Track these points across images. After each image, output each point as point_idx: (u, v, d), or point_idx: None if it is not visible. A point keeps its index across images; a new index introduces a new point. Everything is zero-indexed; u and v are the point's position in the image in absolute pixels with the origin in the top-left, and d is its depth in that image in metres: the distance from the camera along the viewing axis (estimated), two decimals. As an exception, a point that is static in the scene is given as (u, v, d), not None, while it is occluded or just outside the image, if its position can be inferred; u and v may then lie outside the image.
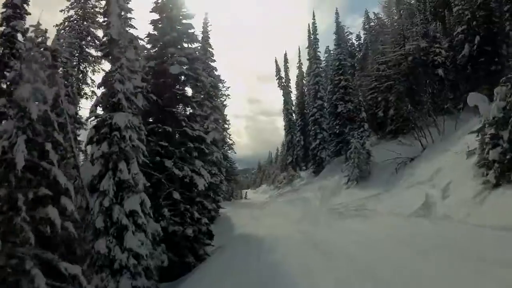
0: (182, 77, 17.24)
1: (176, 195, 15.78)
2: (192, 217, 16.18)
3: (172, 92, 16.94)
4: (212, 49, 31.48)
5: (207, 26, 32.25)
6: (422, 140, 24.47)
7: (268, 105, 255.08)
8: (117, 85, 11.69)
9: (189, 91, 18.64)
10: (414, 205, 14.98)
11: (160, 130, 16.19)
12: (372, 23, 48.30)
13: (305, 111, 46.29)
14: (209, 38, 31.65)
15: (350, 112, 33.71)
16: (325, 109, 38.79)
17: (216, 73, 31.65)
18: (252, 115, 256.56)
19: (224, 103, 52.18)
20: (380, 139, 32.26)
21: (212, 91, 30.53)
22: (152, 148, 15.67)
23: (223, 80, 49.86)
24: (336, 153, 35.26)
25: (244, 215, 26.99)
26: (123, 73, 12.01)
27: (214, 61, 31.50)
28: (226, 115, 52.15)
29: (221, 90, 52.68)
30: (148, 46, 17.69)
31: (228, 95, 51.42)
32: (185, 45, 18.01)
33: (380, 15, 47.92)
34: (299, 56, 52.70)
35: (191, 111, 17.66)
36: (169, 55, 17.15)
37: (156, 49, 17.81)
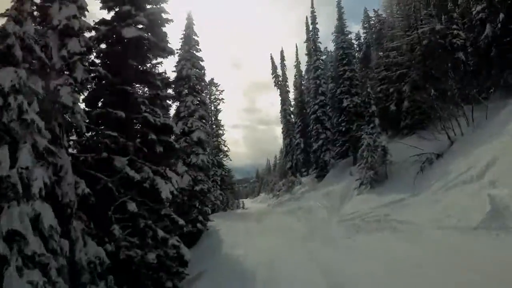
0: (142, 44, 12.48)
1: (132, 207, 10.95)
2: (155, 236, 11.35)
3: (127, 65, 12.19)
4: (198, 36, 26.84)
5: (191, 14, 27.64)
6: (450, 132, 19.76)
7: (265, 114, 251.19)
8: (10, 26, 7.09)
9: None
10: (474, 213, 10.20)
11: (110, 116, 11.44)
12: (372, 21, 43.69)
13: (304, 111, 41.73)
14: (193, 24, 27.05)
15: (358, 107, 29.13)
16: (328, 106, 34.19)
17: (202, 63, 26.80)
18: (250, 124, 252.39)
19: (218, 107, 48.96)
20: (392, 137, 27.53)
21: (197, 84, 25.85)
22: (99, 141, 10.96)
23: (217, 84, 46.86)
24: (342, 154, 30.59)
25: (237, 230, 22.28)
26: (23, 10, 7.38)
27: (200, 50, 26.82)
28: (220, 120, 48.93)
29: (215, 94, 49.15)
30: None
31: (222, 99, 48.31)
32: (149, 6, 13.31)
33: (380, 13, 43.21)
34: (297, 54, 48.40)
35: (154, 92, 12.89)
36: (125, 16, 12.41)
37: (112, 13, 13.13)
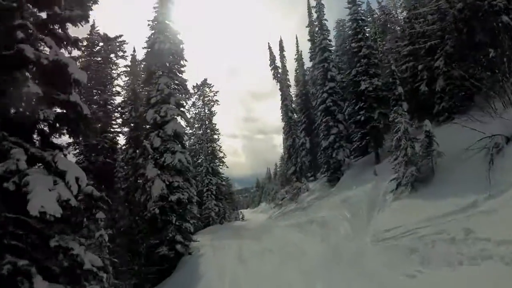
0: None
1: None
2: None
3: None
4: (172, 3, 20.75)
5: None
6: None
7: (263, 123, 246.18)
8: None
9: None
10: None
11: None
12: (376, 15, 37.54)
13: (309, 105, 35.62)
14: (169, -9, 21.03)
15: (379, 90, 23.01)
16: (339, 95, 28.00)
17: (180, 37, 20.72)
18: (249, 134, 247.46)
19: (213, 109, 45.33)
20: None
21: (173, 63, 19.77)
22: None
23: (211, 84, 43.57)
24: (361, 151, 24.51)
25: (227, 255, 16.07)
26: None
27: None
28: (215, 124, 45.20)
29: (209, 95, 44.26)
30: None
31: (217, 100, 44.60)
32: None
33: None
34: (297, 46, 42.64)
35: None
36: None
37: None
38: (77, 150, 21.58)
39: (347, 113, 26.07)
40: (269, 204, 68.98)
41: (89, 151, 21.46)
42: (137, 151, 21.19)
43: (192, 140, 47.82)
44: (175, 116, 17.85)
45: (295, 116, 36.93)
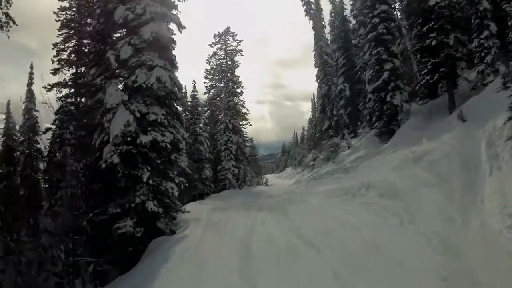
0: None
1: None
2: None
3: None
4: None
5: None
6: None
7: (291, 90, 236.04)
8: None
9: None
10: None
11: None
12: None
13: (349, 44, 27.94)
14: None
15: (454, 9, 15.42)
16: (394, 22, 20.22)
17: None
18: (276, 100, 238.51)
19: (236, 60, 39.90)
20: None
21: None
22: None
23: (234, 33, 38.68)
24: (427, 92, 16.98)
25: (221, 249, 8.69)
26: None
27: None
28: (238, 76, 39.60)
29: (231, 45, 40.18)
30: None
31: (241, 50, 39.31)
32: None
33: None
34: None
35: None
36: None
37: None
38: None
39: (411, 37, 18.39)
40: (295, 169, 62.56)
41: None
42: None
43: (211, 93, 41.31)
44: (158, 16, 11.04)
45: (331, 60, 29.30)
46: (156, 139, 10.13)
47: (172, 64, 11.54)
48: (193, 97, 27.96)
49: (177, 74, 12.20)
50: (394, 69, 18.87)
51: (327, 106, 28.08)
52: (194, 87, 28.16)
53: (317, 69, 29.41)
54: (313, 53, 29.95)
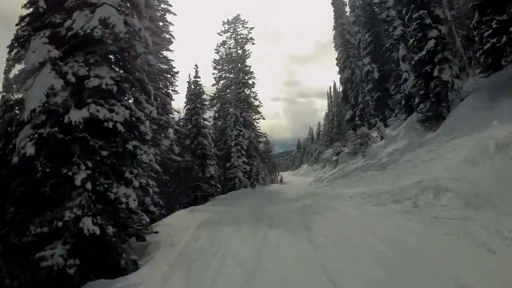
0: None
1: None
2: None
3: None
4: None
5: None
6: None
7: (305, 86, 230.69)
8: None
9: None
10: None
11: None
12: None
13: (375, 20, 23.48)
14: None
15: None
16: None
17: None
18: (290, 97, 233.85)
19: (246, 48, 36.69)
20: None
21: None
22: None
23: (245, 20, 36.12)
24: (489, 62, 12.51)
25: None
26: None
27: None
28: (250, 66, 36.47)
29: (241, 33, 36.91)
30: None
31: (252, 39, 36.66)
32: None
33: None
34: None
35: None
36: None
37: None
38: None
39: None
40: (312, 166, 58.35)
41: None
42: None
43: (220, 85, 37.45)
44: None
45: (354, 40, 24.91)
46: (97, 116, 6.14)
47: (138, 10, 7.59)
48: (195, 83, 23.99)
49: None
50: (441, 37, 14.48)
51: (351, 93, 23.76)
52: (197, 72, 24.15)
53: (338, 51, 25.10)
54: (333, 32, 25.66)
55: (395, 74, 20.28)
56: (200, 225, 9.11)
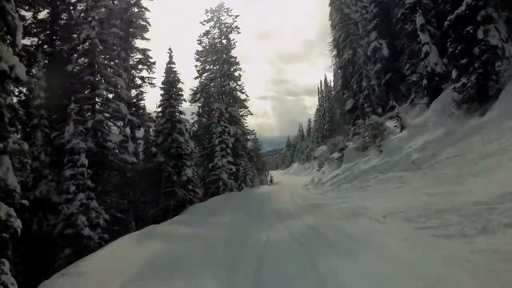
0: None
1: None
2: None
3: None
4: None
5: None
6: None
7: (294, 85, 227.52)
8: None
9: None
10: None
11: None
12: None
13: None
14: None
15: None
16: None
17: None
18: (278, 95, 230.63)
19: (231, 37, 33.24)
20: None
21: None
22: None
23: (229, 8, 32.82)
24: None
25: None
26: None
27: None
28: (235, 57, 33.30)
29: (225, 22, 33.56)
30: None
31: (237, 27, 33.21)
32: None
33: None
34: None
35: None
36: None
37: None
38: None
39: None
40: (303, 164, 54.40)
41: None
42: None
43: (204, 78, 33.26)
44: None
45: (355, 15, 20.81)
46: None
47: None
48: (169, 70, 19.69)
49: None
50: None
51: (352, 78, 19.70)
52: (171, 57, 19.77)
53: (335, 29, 20.99)
54: (329, 9, 21.56)
55: (409, 51, 16.26)
56: (132, 280, 4.96)
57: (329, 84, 57.66)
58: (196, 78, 33.87)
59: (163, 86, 20.09)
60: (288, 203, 11.86)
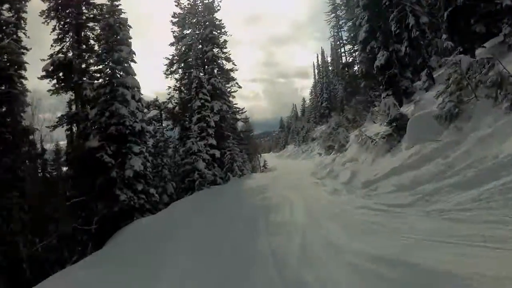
0: None
1: None
2: None
3: None
4: None
5: None
6: None
7: (285, 67, 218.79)
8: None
9: None
10: None
11: None
12: None
13: None
14: None
15: None
16: None
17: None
18: (270, 78, 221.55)
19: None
20: None
21: None
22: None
23: None
24: None
25: None
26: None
27: None
28: (221, 20, 26.41)
29: None
30: None
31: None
32: None
33: None
34: None
35: None
36: None
37: None
38: None
39: None
40: (299, 146, 47.31)
41: None
42: None
43: (181, 45, 25.96)
44: None
45: None
46: None
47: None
48: (111, 8, 12.28)
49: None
50: None
51: (385, 18, 12.45)
52: (112, -13, 12.40)
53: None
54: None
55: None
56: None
57: (326, 59, 50.11)
58: (172, 44, 26.41)
59: (101, 33, 12.71)
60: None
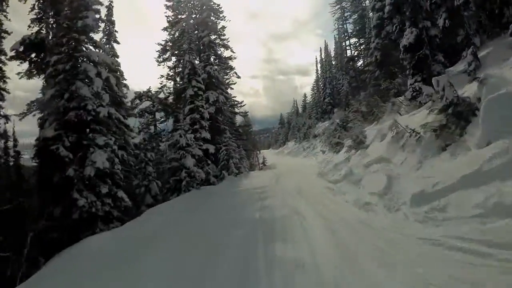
0: None
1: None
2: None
3: None
4: None
5: None
6: None
7: (285, 64, 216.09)
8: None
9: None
10: None
11: None
12: None
13: None
14: None
15: None
16: None
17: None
18: (270, 75, 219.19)
19: None
20: None
21: None
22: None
23: None
24: None
25: None
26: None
27: None
28: (218, 4, 23.86)
29: None
30: None
31: None
32: None
33: None
34: None
35: None
36: None
37: None
38: None
39: None
40: (300, 143, 44.66)
41: None
42: None
43: (175, 30, 23.45)
44: None
45: None
46: None
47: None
48: None
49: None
50: None
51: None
52: None
53: None
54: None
55: None
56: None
57: (329, 52, 47.39)
58: (165, 29, 23.88)
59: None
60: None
